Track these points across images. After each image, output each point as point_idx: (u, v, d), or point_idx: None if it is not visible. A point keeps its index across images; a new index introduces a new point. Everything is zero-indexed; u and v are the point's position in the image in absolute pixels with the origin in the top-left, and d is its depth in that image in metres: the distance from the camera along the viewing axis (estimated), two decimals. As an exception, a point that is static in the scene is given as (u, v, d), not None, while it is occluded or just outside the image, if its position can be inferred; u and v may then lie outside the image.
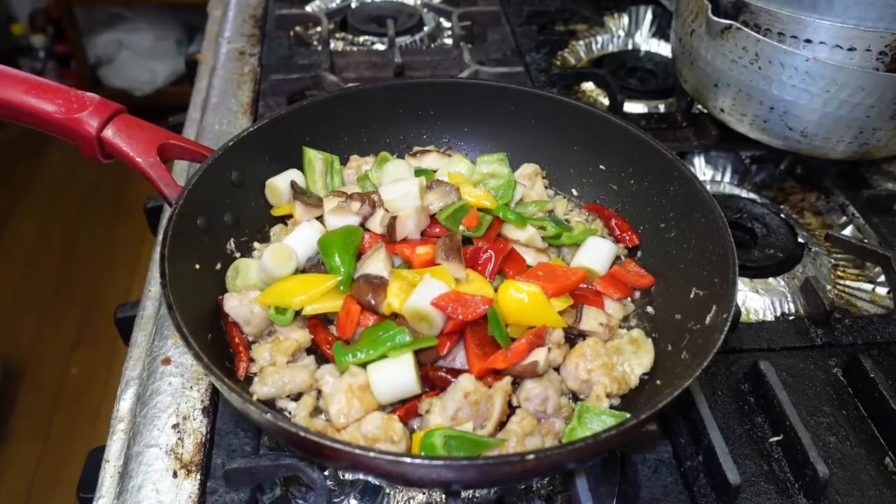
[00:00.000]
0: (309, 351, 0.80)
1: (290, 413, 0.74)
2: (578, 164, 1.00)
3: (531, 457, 0.59)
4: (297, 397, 0.75)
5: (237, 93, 1.27)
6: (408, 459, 0.59)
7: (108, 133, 0.83)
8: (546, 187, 1.01)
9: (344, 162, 1.00)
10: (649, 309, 0.87)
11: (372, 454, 0.59)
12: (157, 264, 0.83)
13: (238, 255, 0.88)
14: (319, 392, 0.75)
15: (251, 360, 0.77)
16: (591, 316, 0.82)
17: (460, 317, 0.74)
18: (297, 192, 0.90)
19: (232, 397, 0.65)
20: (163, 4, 3.56)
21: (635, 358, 0.79)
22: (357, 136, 1.02)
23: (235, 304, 0.79)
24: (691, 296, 0.82)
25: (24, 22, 3.71)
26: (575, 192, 1.01)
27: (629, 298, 0.88)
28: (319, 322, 0.81)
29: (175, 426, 0.77)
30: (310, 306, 0.79)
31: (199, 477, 0.73)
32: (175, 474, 0.73)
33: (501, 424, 0.73)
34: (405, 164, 0.95)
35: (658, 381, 0.77)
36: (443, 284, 0.77)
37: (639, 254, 0.93)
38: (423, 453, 0.68)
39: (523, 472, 0.65)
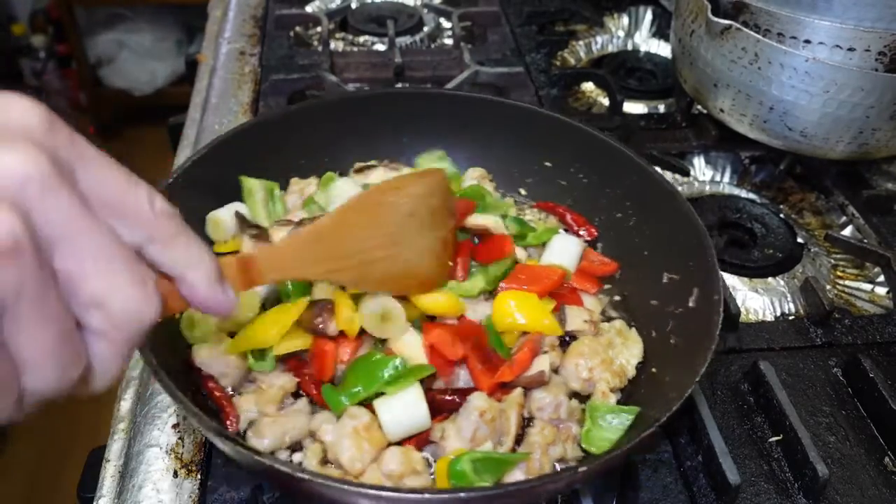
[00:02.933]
0: (297, 394, 0.76)
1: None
2: (522, 163, 1.00)
3: (583, 468, 0.60)
4: (295, 446, 0.71)
5: (237, 93, 1.27)
6: (463, 494, 0.57)
7: None
8: (493, 190, 0.99)
9: (284, 187, 0.95)
10: (617, 297, 0.88)
11: (426, 495, 0.56)
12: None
13: None
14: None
15: (237, 415, 0.72)
16: (575, 315, 0.82)
17: (459, 353, 0.74)
18: (245, 225, 0.85)
19: (255, 460, 0.60)
20: (163, 5, 3.56)
21: (626, 349, 0.79)
22: (293, 159, 0.97)
23: (207, 358, 0.73)
24: (664, 280, 0.83)
25: (25, 22, 3.71)
26: (523, 192, 1.01)
27: (600, 291, 0.88)
28: (299, 362, 0.77)
29: (175, 426, 0.77)
30: (283, 346, 0.74)
31: (199, 476, 0.73)
32: (175, 474, 0.73)
33: (518, 438, 0.72)
34: (351, 181, 0.93)
35: (654, 370, 0.77)
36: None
37: (599, 245, 0.94)
38: (453, 482, 0.65)
39: (569, 485, 0.66)
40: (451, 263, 0.81)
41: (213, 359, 0.74)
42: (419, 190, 0.76)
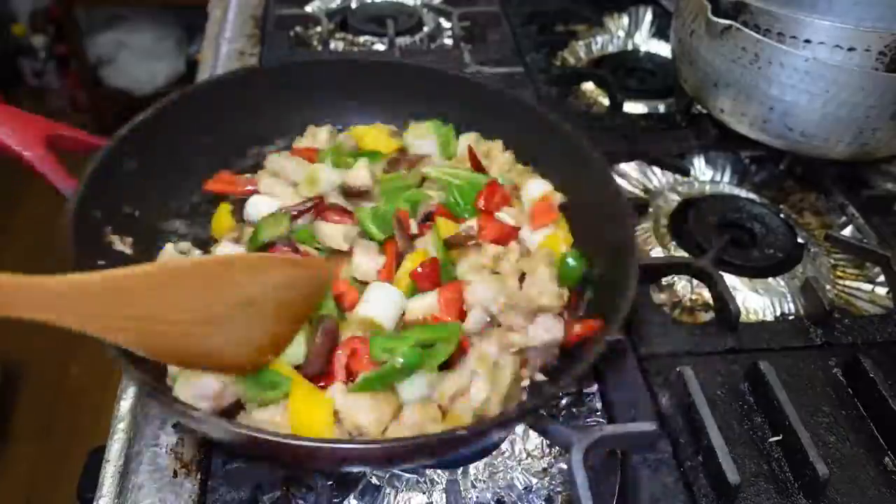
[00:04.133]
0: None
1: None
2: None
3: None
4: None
5: (237, 93, 1.27)
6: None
7: None
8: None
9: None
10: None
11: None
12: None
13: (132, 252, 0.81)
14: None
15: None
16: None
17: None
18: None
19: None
20: (163, 5, 3.56)
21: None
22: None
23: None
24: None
25: (25, 22, 3.71)
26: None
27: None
28: None
29: (175, 426, 0.77)
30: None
31: (199, 476, 0.73)
32: (175, 474, 0.73)
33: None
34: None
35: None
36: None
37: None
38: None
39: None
40: (268, 358, 0.71)
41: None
42: (278, 279, 0.67)
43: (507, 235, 0.87)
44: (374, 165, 0.95)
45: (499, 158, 0.98)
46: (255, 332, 0.68)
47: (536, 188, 0.94)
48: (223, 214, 0.90)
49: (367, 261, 0.82)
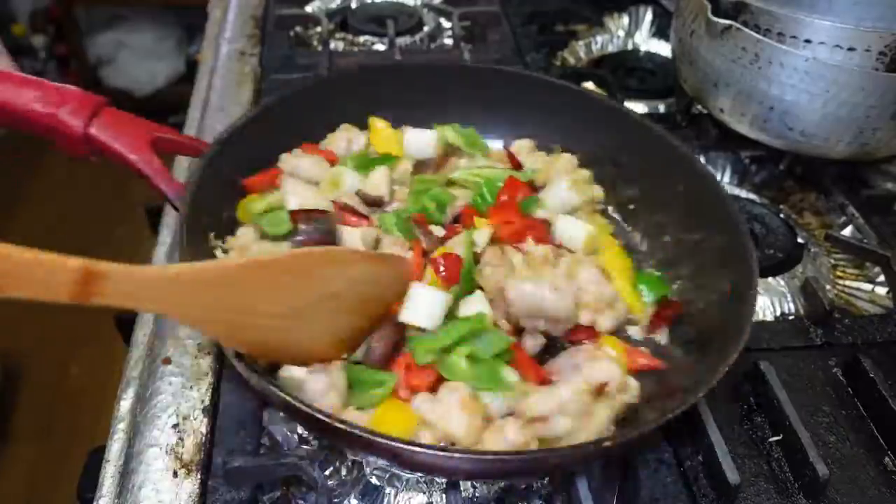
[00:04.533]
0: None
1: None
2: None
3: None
4: None
5: (237, 93, 1.27)
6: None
7: (95, 129, 0.76)
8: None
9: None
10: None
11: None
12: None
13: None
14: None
15: None
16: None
17: None
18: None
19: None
20: (163, 5, 3.56)
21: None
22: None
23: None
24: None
25: (25, 22, 3.72)
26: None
27: None
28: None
29: (175, 426, 0.77)
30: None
31: (199, 476, 0.73)
32: (175, 474, 0.73)
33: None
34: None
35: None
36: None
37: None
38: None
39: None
40: (344, 353, 0.73)
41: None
42: (360, 274, 0.68)
43: (533, 230, 0.85)
44: (396, 170, 0.93)
45: (557, 159, 0.97)
46: (337, 327, 0.69)
47: (571, 228, 0.88)
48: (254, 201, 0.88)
49: None
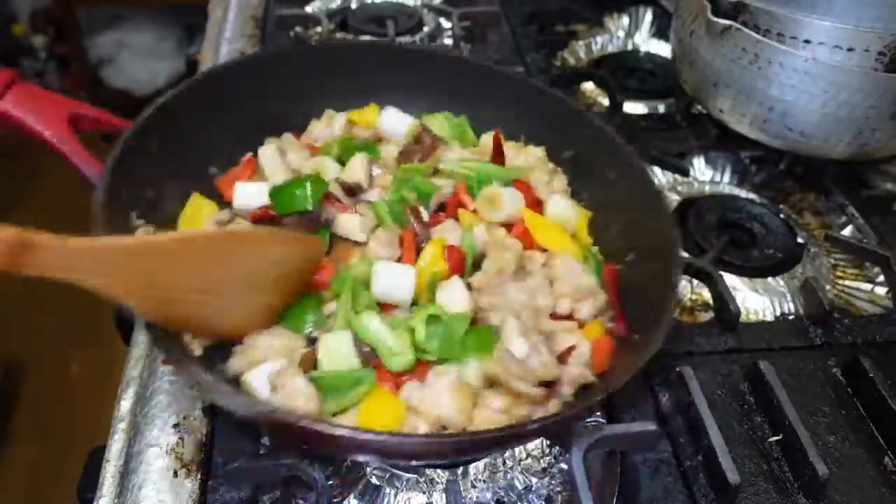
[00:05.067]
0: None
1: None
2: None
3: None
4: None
5: (237, 93, 1.27)
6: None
7: (8, 105, 0.73)
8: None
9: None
10: None
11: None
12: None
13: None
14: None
15: None
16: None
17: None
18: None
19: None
20: (163, 5, 3.56)
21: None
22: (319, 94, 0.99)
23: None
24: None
25: (25, 22, 3.71)
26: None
27: None
28: None
29: (176, 426, 0.77)
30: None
31: (199, 476, 0.73)
32: (175, 474, 0.73)
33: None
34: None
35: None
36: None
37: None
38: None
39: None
40: (256, 329, 0.74)
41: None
42: (279, 254, 0.71)
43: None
44: (382, 153, 0.94)
45: (528, 153, 0.96)
46: (252, 303, 0.72)
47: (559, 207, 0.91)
48: (197, 202, 0.86)
49: (384, 251, 0.82)
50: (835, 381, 0.86)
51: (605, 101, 1.34)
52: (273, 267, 0.71)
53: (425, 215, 0.87)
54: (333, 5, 1.60)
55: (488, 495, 0.75)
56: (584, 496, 0.70)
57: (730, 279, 0.97)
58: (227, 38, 1.43)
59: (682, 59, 1.16)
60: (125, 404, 0.82)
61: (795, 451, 0.75)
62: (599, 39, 1.53)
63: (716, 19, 1.02)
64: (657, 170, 1.17)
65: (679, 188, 1.14)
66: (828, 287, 0.99)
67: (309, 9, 1.56)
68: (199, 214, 0.86)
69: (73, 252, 0.57)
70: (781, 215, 1.10)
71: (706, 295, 0.95)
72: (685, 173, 1.16)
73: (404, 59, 1.04)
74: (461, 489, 0.74)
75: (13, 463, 2.38)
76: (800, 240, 1.05)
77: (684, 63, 1.15)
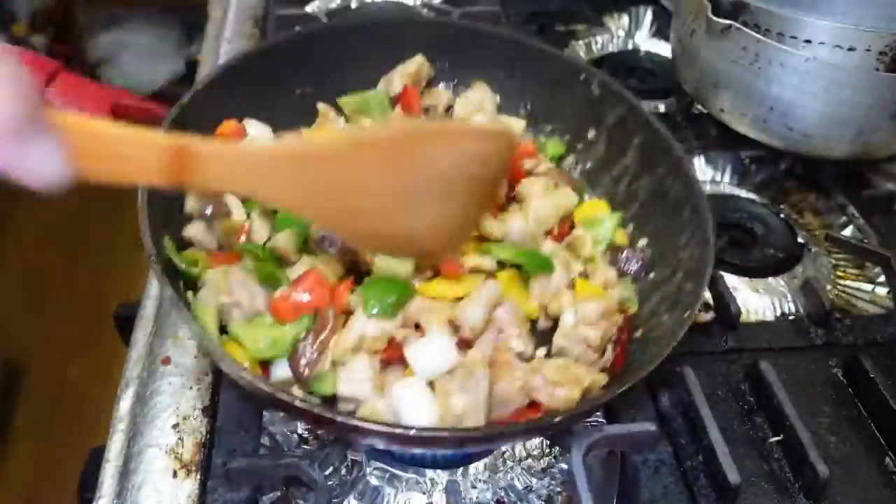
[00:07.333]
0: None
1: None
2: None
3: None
4: None
5: (237, 93, 1.27)
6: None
7: (53, 95, 0.72)
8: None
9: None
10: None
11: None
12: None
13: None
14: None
15: None
16: None
17: None
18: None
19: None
20: (163, 5, 3.56)
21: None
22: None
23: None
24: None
25: (25, 22, 3.71)
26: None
27: None
28: None
29: (175, 426, 0.77)
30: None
31: (199, 476, 0.73)
32: (175, 474, 0.73)
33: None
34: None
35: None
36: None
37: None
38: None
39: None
40: (462, 242, 0.67)
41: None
42: (470, 152, 0.60)
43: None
44: None
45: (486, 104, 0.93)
46: (447, 211, 0.62)
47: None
48: None
49: None
50: (835, 382, 0.86)
51: (606, 101, 1.34)
52: (467, 168, 0.61)
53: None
54: (333, 5, 1.59)
55: (488, 495, 0.75)
56: (584, 496, 0.70)
57: (730, 279, 0.97)
58: (226, 38, 1.43)
59: (682, 58, 1.16)
60: (125, 404, 0.82)
61: (796, 451, 0.75)
62: (599, 39, 1.53)
63: (716, 19, 1.02)
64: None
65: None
66: (828, 287, 0.99)
67: (309, 9, 1.56)
68: None
69: (235, 161, 0.50)
70: (782, 215, 1.10)
71: (706, 295, 0.95)
72: (685, 173, 1.16)
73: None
74: (461, 489, 0.74)
75: (13, 462, 2.38)
76: (800, 240, 1.05)
77: (684, 63, 1.15)
